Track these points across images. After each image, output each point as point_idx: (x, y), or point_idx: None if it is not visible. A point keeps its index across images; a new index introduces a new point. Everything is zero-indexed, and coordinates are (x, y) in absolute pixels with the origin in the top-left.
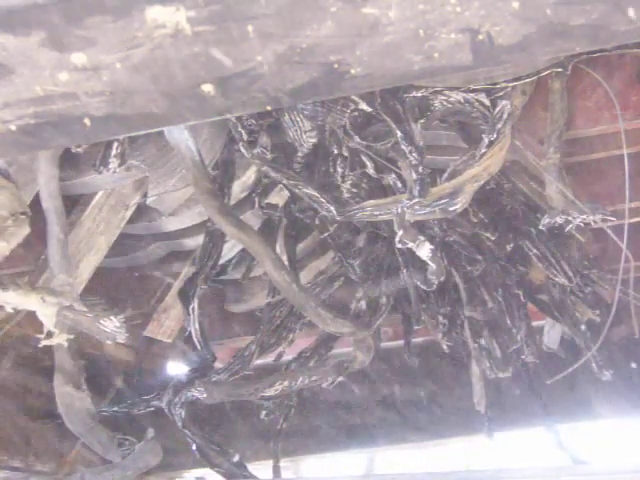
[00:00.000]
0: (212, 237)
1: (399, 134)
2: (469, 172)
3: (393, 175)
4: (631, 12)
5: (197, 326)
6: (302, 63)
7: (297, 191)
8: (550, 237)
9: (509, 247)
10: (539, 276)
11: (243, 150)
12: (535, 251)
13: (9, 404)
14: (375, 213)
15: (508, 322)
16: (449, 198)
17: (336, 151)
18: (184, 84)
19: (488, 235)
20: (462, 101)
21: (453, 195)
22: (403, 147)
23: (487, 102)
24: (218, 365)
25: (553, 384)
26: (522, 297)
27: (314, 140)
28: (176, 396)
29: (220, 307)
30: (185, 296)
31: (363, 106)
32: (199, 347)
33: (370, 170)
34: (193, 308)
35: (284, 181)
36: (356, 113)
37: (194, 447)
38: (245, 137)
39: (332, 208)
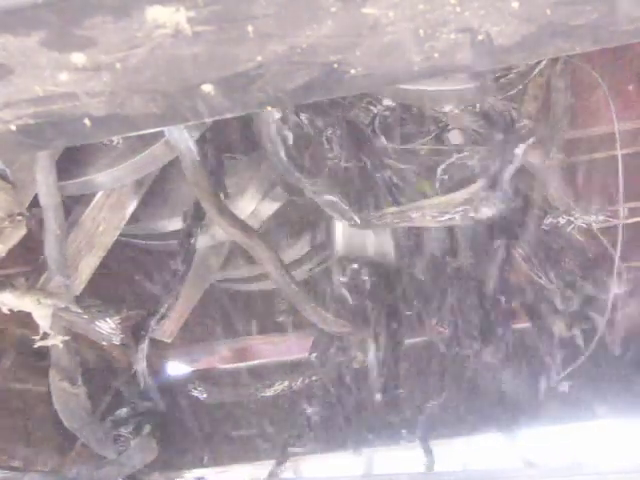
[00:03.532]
0: (171, 280)
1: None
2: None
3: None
4: (631, 12)
5: (144, 365)
6: (302, 63)
7: (316, 198)
8: (536, 237)
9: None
10: (516, 278)
11: None
12: (520, 251)
13: (9, 404)
14: (395, 221)
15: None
16: (469, 205)
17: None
18: (184, 84)
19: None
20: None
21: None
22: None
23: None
24: (218, 366)
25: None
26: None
27: None
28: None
29: (221, 306)
30: (137, 334)
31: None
32: (143, 386)
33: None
34: (142, 348)
35: (301, 186)
36: (387, 112)
37: None
38: None
39: (354, 216)
